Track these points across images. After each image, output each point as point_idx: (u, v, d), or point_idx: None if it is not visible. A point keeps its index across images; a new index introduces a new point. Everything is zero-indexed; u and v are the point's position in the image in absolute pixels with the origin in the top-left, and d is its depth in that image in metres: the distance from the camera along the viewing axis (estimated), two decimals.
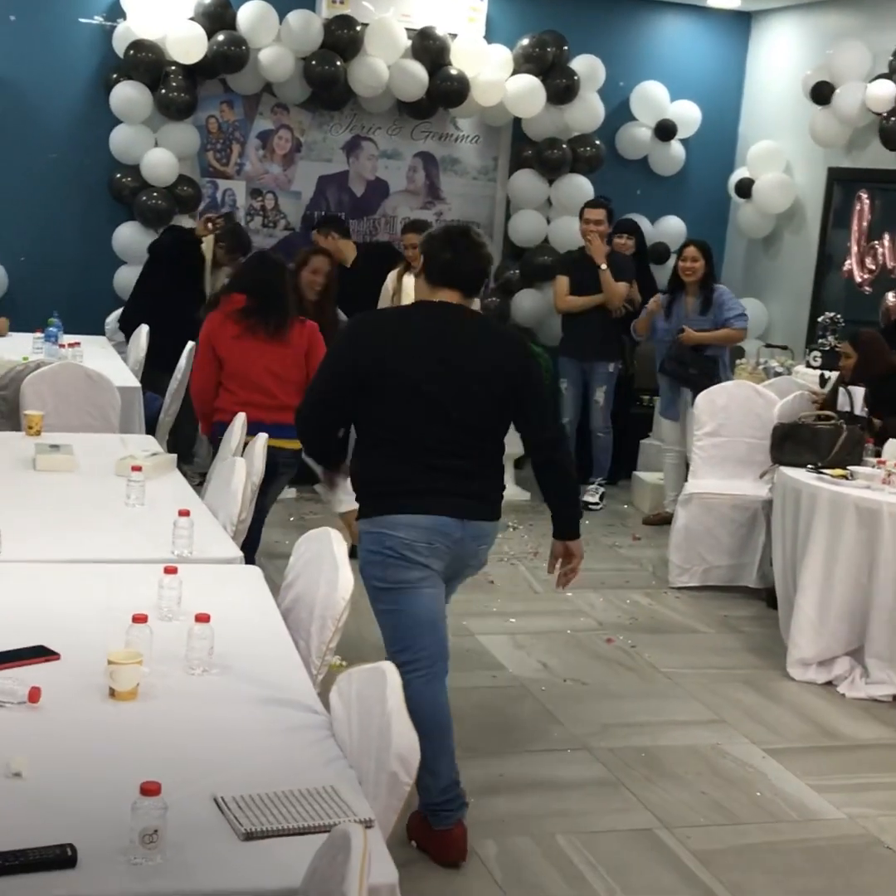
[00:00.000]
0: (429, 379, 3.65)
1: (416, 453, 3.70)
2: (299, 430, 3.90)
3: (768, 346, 8.71)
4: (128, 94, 7.98)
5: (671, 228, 9.42)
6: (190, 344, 6.39)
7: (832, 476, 5.43)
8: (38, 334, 6.91)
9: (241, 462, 4.39)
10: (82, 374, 5.79)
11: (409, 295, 6.95)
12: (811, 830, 4.10)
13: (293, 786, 2.38)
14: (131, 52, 7.91)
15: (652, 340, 7.74)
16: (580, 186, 8.86)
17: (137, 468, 4.33)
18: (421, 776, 2.83)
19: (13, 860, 2.03)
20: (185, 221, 8.12)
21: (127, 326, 7.40)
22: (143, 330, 7.04)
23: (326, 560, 3.39)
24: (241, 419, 5.04)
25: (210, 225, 7.26)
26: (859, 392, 5.95)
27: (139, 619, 2.91)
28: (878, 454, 5.69)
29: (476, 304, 3.97)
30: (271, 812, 2.28)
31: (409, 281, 7.03)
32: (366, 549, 3.74)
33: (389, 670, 2.54)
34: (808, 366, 7.66)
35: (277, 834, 2.22)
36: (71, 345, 6.73)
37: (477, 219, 9.14)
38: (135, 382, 6.44)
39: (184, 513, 3.78)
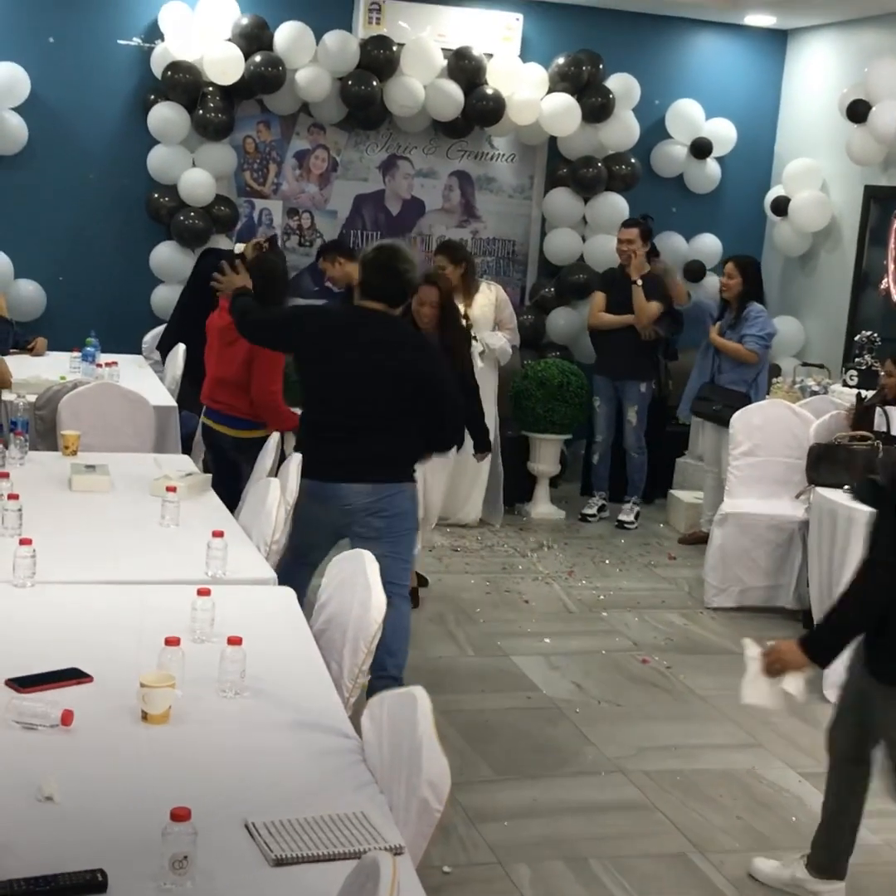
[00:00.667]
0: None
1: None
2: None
3: (805, 364, 8.65)
4: (165, 115, 8.05)
5: (707, 246, 9.40)
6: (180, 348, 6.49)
7: None
8: (76, 354, 6.97)
9: (276, 483, 4.40)
10: (118, 394, 5.83)
11: None
12: None
13: (324, 811, 2.38)
14: (169, 73, 7.98)
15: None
16: (615, 205, 8.86)
17: (172, 488, 4.35)
18: None
19: (44, 885, 2.04)
20: (223, 241, 8.17)
21: (166, 349, 7.33)
22: (180, 349, 7.07)
23: (359, 581, 3.39)
24: (273, 439, 5.10)
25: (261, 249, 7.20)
26: (895, 412, 5.90)
27: (172, 641, 2.91)
28: None
29: None
30: (301, 838, 2.27)
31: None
32: None
33: (420, 695, 2.54)
34: (845, 385, 7.60)
35: (307, 860, 2.22)
36: (108, 364, 6.78)
37: (512, 237, 9.17)
38: (171, 401, 6.47)
39: (217, 534, 3.79)
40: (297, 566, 4.63)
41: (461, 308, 6.59)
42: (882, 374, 6.36)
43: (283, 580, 3.94)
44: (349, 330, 4.62)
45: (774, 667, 3.44)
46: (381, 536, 4.54)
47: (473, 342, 6.74)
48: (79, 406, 5.66)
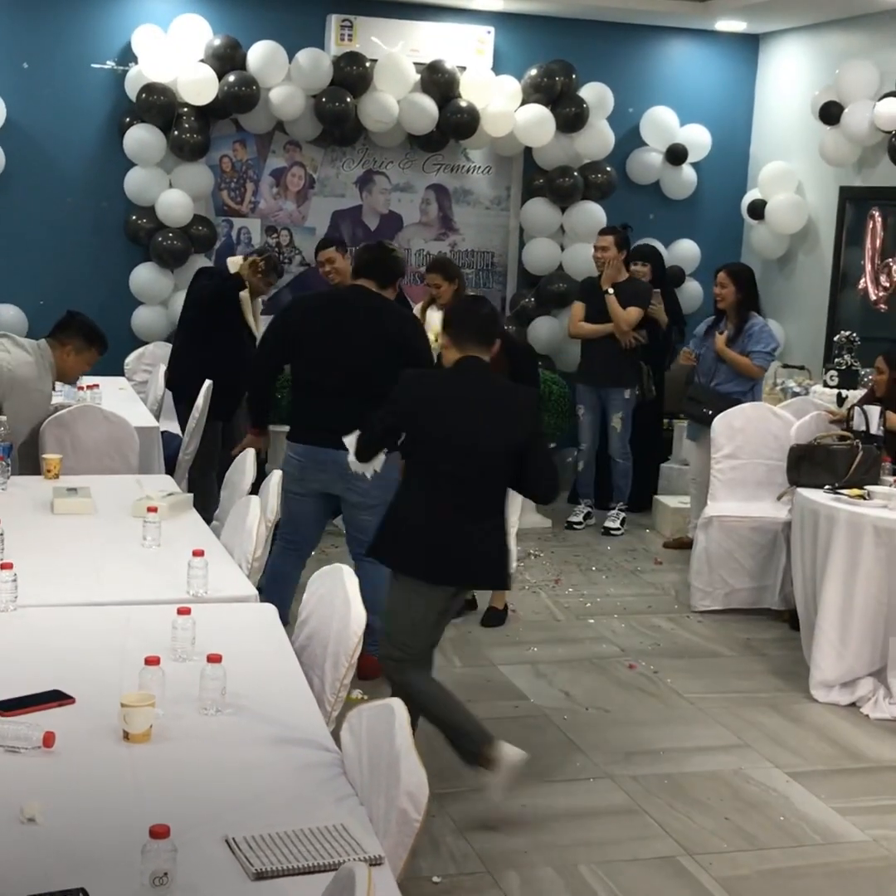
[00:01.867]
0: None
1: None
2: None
3: (786, 366, 8.70)
4: (141, 137, 8.08)
5: (685, 252, 9.45)
6: (208, 382, 6.44)
7: (849, 496, 5.43)
8: None
9: (256, 500, 4.42)
10: (100, 416, 5.83)
11: (433, 327, 6.95)
12: (836, 853, 4.08)
13: (304, 824, 2.40)
14: (143, 95, 8.01)
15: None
16: (593, 213, 8.90)
17: (153, 509, 4.36)
18: None
19: None
20: (202, 261, 8.19)
21: (177, 370, 6.98)
22: (161, 369, 7.09)
23: (339, 596, 3.41)
24: (250, 456, 5.13)
25: (258, 266, 7.17)
26: (875, 411, 5.94)
27: (152, 661, 2.93)
28: (895, 473, 5.67)
29: None
30: (282, 851, 2.29)
31: (433, 315, 7.00)
32: None
33: (397, 707, 2.56)
34: (826, 385, 7.64)
35: (287, 873, 2.24)
36: (89, 387, 6.78)
37: (491, 248, 9.21)
38: (153, 422, 6.49)
39: (198, 553, 3.81)
40: (286, 554, 5.18)
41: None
42: (870, 372, 6.38)
43: (273, 569, 4.09)
44: (341, 303, 5.22)
45: None
46: (374, 504, 4.90)
47: None
48: (60, 430, 5.67)
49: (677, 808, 4.33)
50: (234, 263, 6.90)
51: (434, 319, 6.95)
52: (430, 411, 4.20)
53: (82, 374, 5.85)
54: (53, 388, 5.69)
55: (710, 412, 7.24)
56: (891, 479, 5.61)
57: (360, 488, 5.03)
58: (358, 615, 3.28)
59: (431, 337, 6.71)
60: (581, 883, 3.82)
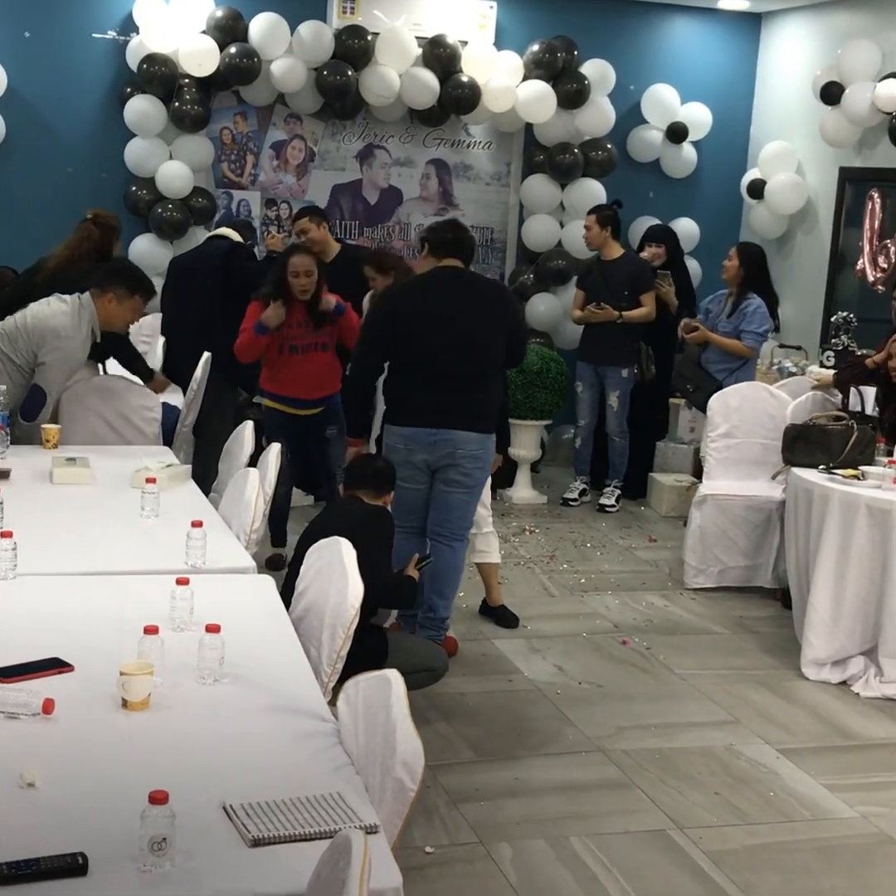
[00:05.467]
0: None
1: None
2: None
3: (782, 346, 8.71)
4: (142, 108, 8.07)
5: (684, 230, 9.41)
6: (206, 355, 6.44)
7: (844, 476, 5.46)
8: None
9: (255, 472, 4.45)
10: (123, 388, 5.81)
11: None
12: (824, 829, 4.12)
13: (301, 793, 2.43)
14: (144, 66, 7.99)
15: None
16: (592, 190, 8.90)
17: (152, 480, 4.39)
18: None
19: (26, 869, 2.09)
20: (201, 234, 8.17)
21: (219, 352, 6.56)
22: (160, 341, 7.10)
23: (336, 569, 3.44)
24: (248, 428, 5.15)
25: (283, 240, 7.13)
26: (870, 392, 5.96)
27: (150, 630, 2.96)
28: (889, 453, 5.70)
29: None
30: (278, 819, 2.33)
31: None
32: None
33: (394, 678, 2.59)
34: (822, 365, 7.66)
35: (284, 840, 2.27)
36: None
37: (490, 224, 9.21)
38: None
39: (196, 524, 3.84)
40: (412, 540, 5.19)
41: None
42: (867, 353, 6.39)
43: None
44: (453, 284, 5.09)
45: None
46: (475, 484, 5.18)
47: None
48: (85, 398, 5.65)
49: (668, 783, 4.37)
50: (231, 234, 6.91)
51: None
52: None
53: (132, 322, 5.66)
54: (97, 340, 5.48)
55: (692, 390, 7.30)
56: (885, 459, 5.64)
57: (465, 468, 5.12)
58: (355, 587, 3.30)
59: None
60: (572, 855, 3.86)
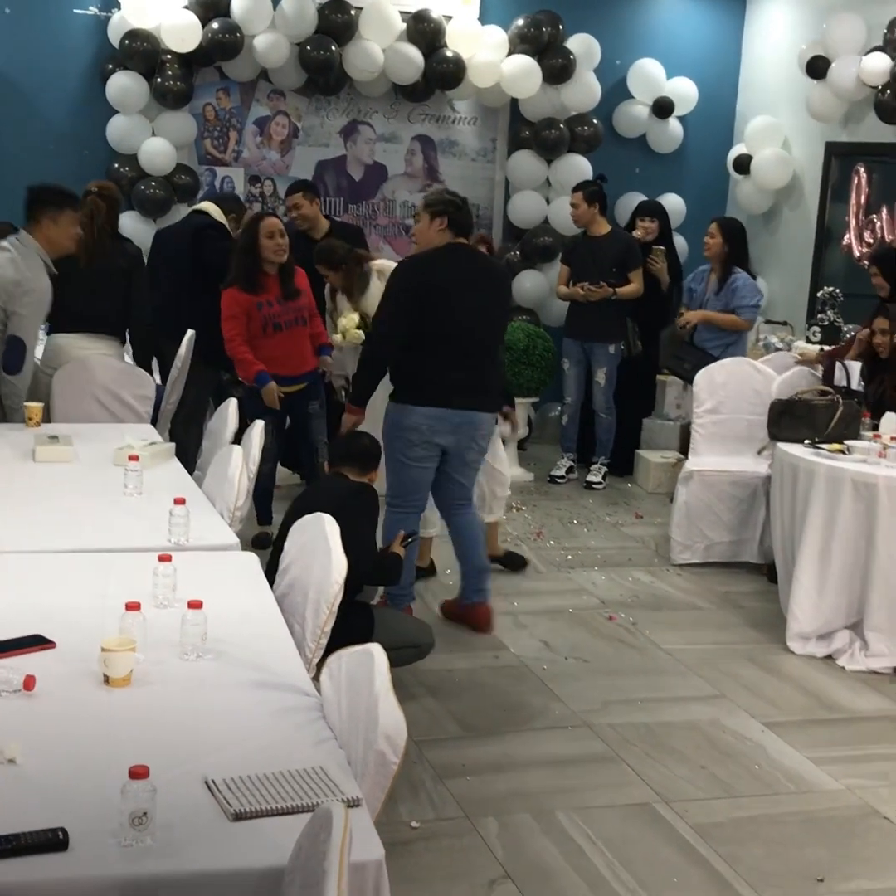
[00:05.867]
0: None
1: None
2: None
3: (768, 322, 8.71)
4: (124, 84, 8.02)
5: (670, 206, 9.37)
6: (190, 332, 6.40)
7: (829, 451, 5.46)
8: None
9: (239, 450, 4.43)
10: (114, 367, 5.80)
11: (340, 312, 6.88)
12: (809, 802, 4.13)
13: (283, 767, 2.42)
14: (126, 41, 7.94)
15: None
16: (578, 166, 8.88)
17: (135, 458, 4.37)
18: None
19: (5, 844, 2.07)
20: (184, 210, 8.12)
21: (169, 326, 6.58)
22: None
23: (320, 545, 3.43)
24: (232, 405, 5.13)
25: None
26: (855, 367, 5.96)
27: (132, 606, 2.95)
28: (874, 428, 5.71)
29: None
30: (260, 793, 2.32)
31: (341, 299, 6.91)
32: None
33: (377, 652, 2.58)
34: (808, 341, 7.67)
35: (266, 814, 2.26)
36: None
37: (476, 200, 9.16)
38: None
39: (179, 501, 3.82)
40: (411, 518, 5.26)
41: (352, 314, 6.76)
42: (853, 328, 6.39)
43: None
44: (462, 265, 5.11)
45: None
46: (484, 453, 5.38)
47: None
48: (72, 380, 5.65)
49: (654, 757, 4.38)
50: (212, 210, 6.87)
51: (344, 305, 6.88)
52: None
53: (76, 236, 5.52)
54: (53, 273, 5.39)
55: (689, 368, 7.29)
56: (870, 433, 5.64)
57: (482, 446, 5.33)
58: (339, 563, 3.29)
59: (337, 337, 6.70)
60: (558, 829, 3.86)
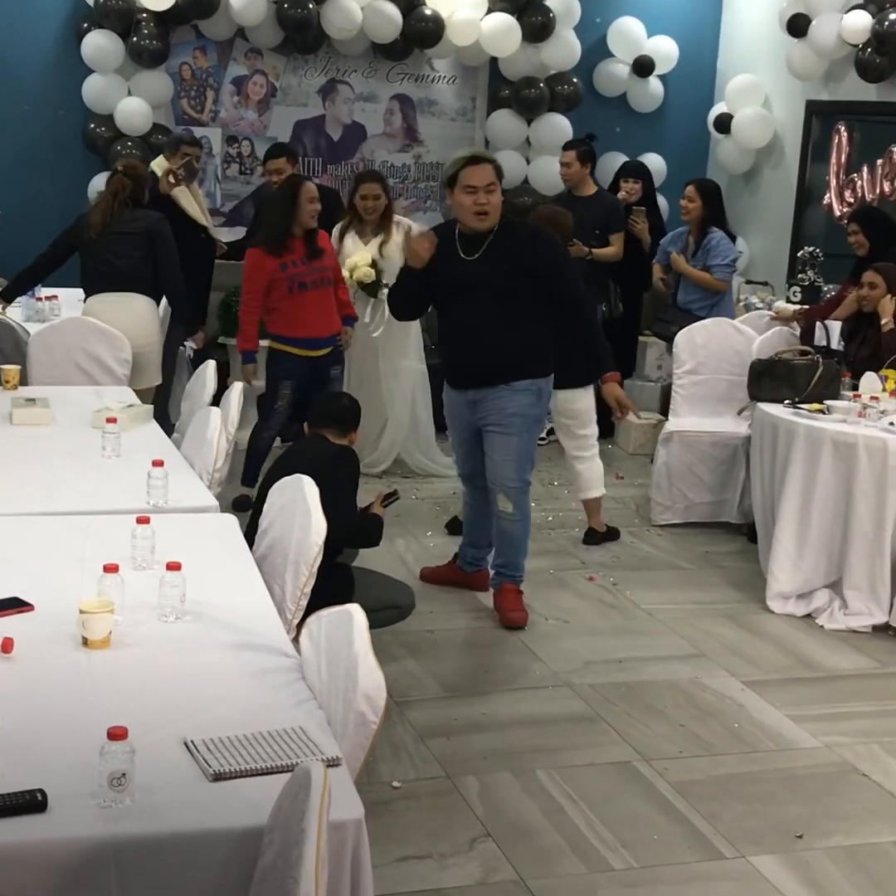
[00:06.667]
0: None
1: None
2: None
3: (749, 282, 8.70)
4: (99, 43, 7.92)
5: (651, 165, 9.32)
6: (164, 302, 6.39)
7: (809, 411, 5.46)
8: None
9: (217, 412, 4.41)
10: (93, 329, 5.78)
11: (349, 254, 6.81)
12: (788, 759, 4.16)
13: (263, 727, 2.42)
14: (101, 0, 7.83)
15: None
16: (559, 125, 8.82)
17: (112, 420, 4.35)
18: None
19: None
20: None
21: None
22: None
23: (299, 506, 3.42)
24: (210, 367, 5.11)
25: (175, 178, 7.05)
26: (836, 326, 5.96)
27: (110, 568, 2.93)
28: (854, 388, 5.71)
29: None
30: (240, 753, 2.32)
31: (350, 241, 6.87)
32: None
33: (356, 612, 2.58)
34: (789, 301, 7.66)
35: (245, 774, 2.26)
36: (48, 298, 6.72)
37: None
38: None
39: (157, 463, 3.81)
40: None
41: (366, 252, 6.72)
42: (833, 288, 6.39)
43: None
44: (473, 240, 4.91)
45: None
46: (519, 430, 5.09)
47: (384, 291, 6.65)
48: (48, 341, 5.63)
49: (634, 716, 4.39)
50: (159, 166, 6.85)
51: (350, 247, 6.84)
52: None
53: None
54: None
55: (676, 331, 7.26)
56: (850, 393, 5.65)
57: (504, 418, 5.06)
58: (318, 524, 3.29)
59: (346, 273, 6.65)
60: (538, 787, 3.88)
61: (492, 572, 5.34)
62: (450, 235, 4.98)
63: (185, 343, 6.84)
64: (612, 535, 6.34)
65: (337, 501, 3.76)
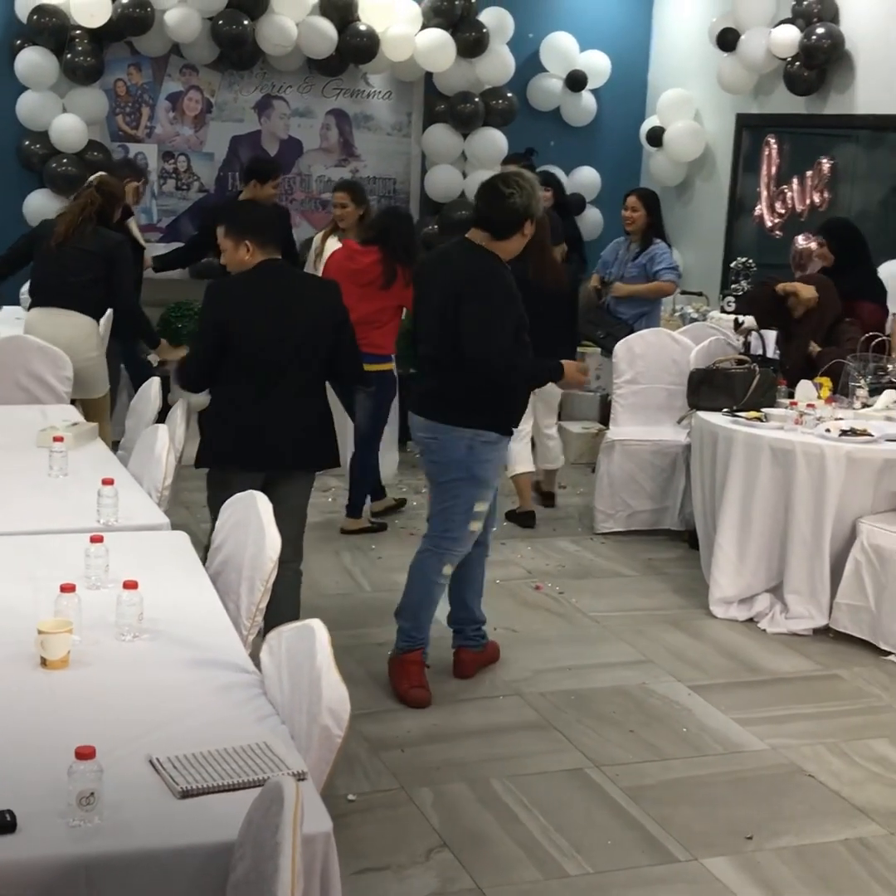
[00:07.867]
0: None
1: None
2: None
3: (684, 293, 8.82)
4: (33, 60, 7.88)
5: (585, 179, 9.49)
6: (109, 311, 6.34)
7: (747, 419, 5.56)
8: None
9: (164, 428, 4.40)
10: (34, 347, 5.74)
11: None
12: (736, 762, 4.23)
13: (227, 744, 2.43)
14: (35, 16, 7.80)
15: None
16: (494, 140, 8.90)
17: (59, 439, 4.33)
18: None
19: None
20: None
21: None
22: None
23: (253, 522, 3.43)
24: (155, 385, 5.10)
25: (138, 193, 7.07)
26: (771, 335, 6.06)
27: (67, 588, 2.93)
28: (790, 396, 5.82)
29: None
30: (206, 770, 2.33)
31: (331, 244, 6.92)
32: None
33: (318, 627, 2.60)
34: (723, 311, 7.78)
35: (213, 790, 2.27)
36: None
37: (392, 175, 9.16)
38: None
39: (107, 481, 3.80)
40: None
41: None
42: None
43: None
44: (435, 263, 4.65)
45: None
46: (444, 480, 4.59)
47: None
48: None
49: (584, 723, 4.45)
50: (112, 186, 6.79)
51: (332, 249, 6.88)
52: (245, 313, 4.30)
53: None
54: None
55: (603, 336, 7.36)
56: (787, 401, 5.75)
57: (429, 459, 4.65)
58: (272, 540, 3.30)
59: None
60: (492, 796, 3.92)
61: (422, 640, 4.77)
62: None
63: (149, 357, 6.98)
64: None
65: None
